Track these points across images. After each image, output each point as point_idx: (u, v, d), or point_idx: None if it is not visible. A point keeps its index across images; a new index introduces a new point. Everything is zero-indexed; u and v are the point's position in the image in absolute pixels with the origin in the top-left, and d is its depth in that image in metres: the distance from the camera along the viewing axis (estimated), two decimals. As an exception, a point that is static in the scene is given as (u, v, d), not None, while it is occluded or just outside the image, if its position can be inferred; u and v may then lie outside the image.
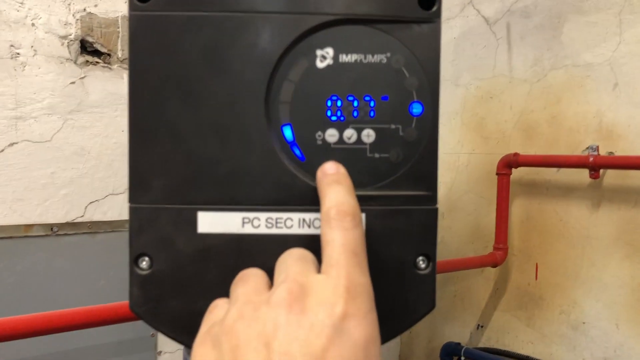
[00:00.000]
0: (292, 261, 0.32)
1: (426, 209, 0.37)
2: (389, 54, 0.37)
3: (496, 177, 1.73)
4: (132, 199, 0.36)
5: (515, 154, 1.68)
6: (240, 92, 0.36)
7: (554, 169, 1.66)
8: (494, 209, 1.74)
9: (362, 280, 0.30)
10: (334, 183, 0.34)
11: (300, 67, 0.37)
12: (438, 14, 0.38)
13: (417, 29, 0.37)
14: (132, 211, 0.36)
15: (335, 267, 0.30)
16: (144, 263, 0.36)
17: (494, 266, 1.74)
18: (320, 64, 0.37)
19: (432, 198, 0.37)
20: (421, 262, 0.37)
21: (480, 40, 1.89)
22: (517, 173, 1.74)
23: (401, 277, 0.37)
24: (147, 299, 0.36)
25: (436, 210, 0.37)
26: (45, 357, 1.53)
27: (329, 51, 0.37)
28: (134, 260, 0.36)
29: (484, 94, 1.88)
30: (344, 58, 0.37)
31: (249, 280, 0.33)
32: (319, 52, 0.37)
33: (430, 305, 0.37)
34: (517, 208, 1.77)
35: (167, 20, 0.36)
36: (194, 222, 0.36)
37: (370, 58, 0.37)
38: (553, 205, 1.67)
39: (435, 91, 0.38)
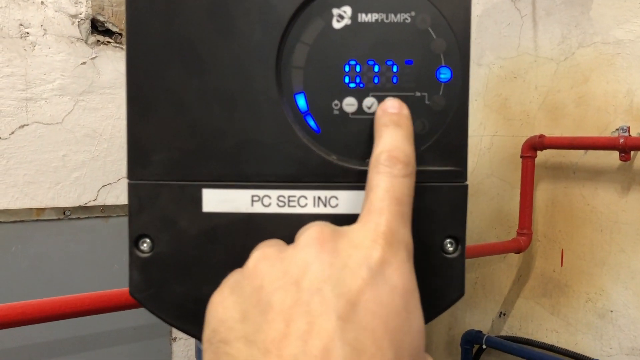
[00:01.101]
0: (315, 222, 0.29)
1: (455, 185, 0.34)
2: (413, 13, 0.34)
3: (520, 160, 1.68)
4: (131, 175, 0.34)
5: (541, 136, 1.63)
6: (249, 56, 0.33)
7: (582, 152, 1.61)
8: (518, 193, 1.70)
9: (403, 231, 0.27)
10: (392, 124, 0.31)
11: (314, 28, 0.33)
12: None
13: None
14: (132, 188, 0.34)
15: (375, 213, 0.27)
16: (145, 245, 0.34)
17: (518, 252, 1.70)
18: (336, 25, 0.33)
19: (462, 174, 0.34)
20: (449, 245, 0.34)
21: (504, 17, 1.83)
22: (542, 156, 1.69)
23: (427, 260, 0.34)
24: (149, 284, 0.34)
25: (466, 187, 0.34)
26: (59, 342, 1.53)
27: (347, 10, 0.33)
28: (134, 242, 0.34)
29: (508, 74, 1.82)
30: (363, 17, 0.34)
31: (270, 240, 0.30)
32: (335, 11, 0.33)
33: (460, 292, 0.34)
34: (542, 192, 1.72)
35: None
36: (198, 200, 0.33)
37: (392, 17, 0.34)
38: (580, 189, 1.62)
39: (465, 55, 0.34)
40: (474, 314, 1.96)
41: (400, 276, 0.25)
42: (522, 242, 1.67)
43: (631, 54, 1.50)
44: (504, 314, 1.86)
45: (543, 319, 1.74)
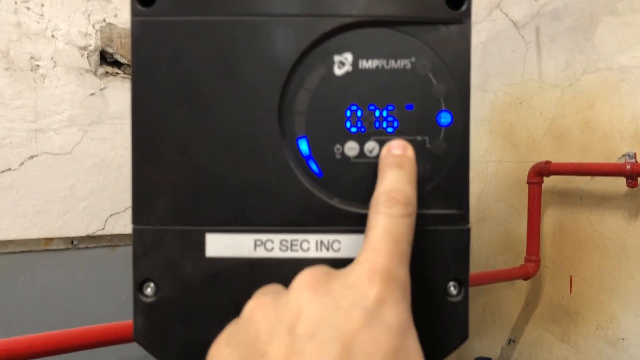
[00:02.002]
0: (307, 268, 0.29)
1: (457, 229, 0.34)
2: (413, 59, 0.34)
3: (527, 185, 1.67)
4: (135, 220, 0.34)
5: (547, 162, 1.62)
6: (252, 102, 0.34)
7: (588, 177, 1.60)
8: (525, 219, 1.68)
9: (400, 270, 0.27)
10: (394, 165, 0.32)
11: (316, 74, 0.34)
12: (468, 13, 0.34)
13: (444, 30, 0.34)
14: (136, 233, 0.34)
15: (372, 252, 0.27)
16: (149, 289, 0.34)
17: (526, 279, 1.68)
18: (338, 71, 0.34)
19: (464, 217, 0.34)
20: (452, 288, 0.34)
21: (508, 44, 1.84)
22: (548, 181, 1.68)
23: (430, 304, 0.34)
24: (153, 329, 0.34)
25: (468, 230, 0.34)
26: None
27: (348, 57, 0.34)
28: (138, 287, 0.34)
29: (513, 100, 1.83)
30: (364, 64, 0.34)
31: (267, 286, 0.31)
32: (336, 58, 0.34)
33: (463, 336, 0.34)
34: (549, 218, 1.71)
35: (172, 26, 0.34)
36: (202, 245, 0.34)
37: (392, 63, 0.34)
38: (587, 215, 1.61)
39: (465, 99, 0.34)
40: (483, 340, 1.93)
41: (396, 315, 0.25)
42: (530, 269, 1.65)
43: (636, 80, 1.49)
44: (513, 341, 1.84)
45: (553, 346, 1.71)
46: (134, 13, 0.34)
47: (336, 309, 0.25)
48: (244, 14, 0.34)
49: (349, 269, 0.27)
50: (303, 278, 0.27)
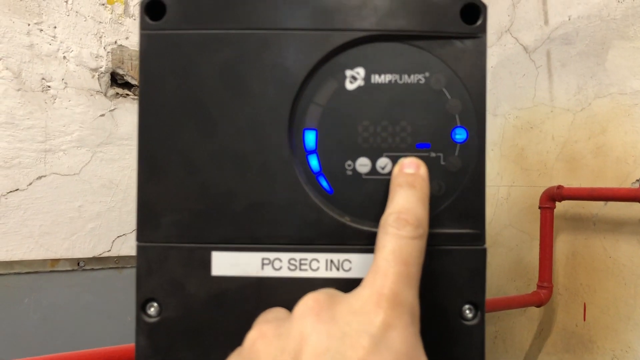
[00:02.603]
0: (310, 293, 0.28)
1: (473, 249, 0.33)
2: (427, 74, 0.33)
3: (538, 210, 1.65)
4: (140, 237, 0.33)
5: (559, 187, 1.60)
6: (262, 117, 0.33)
7: (601, 203, 1.58)
8: (537, 245, 1.66)
9: (408, 293, 0.26)
10: (406, 185, 0.30)
11: (327, 89, 0.33)
12: (483, 28, 0.33)
13: (459, 45, 0.33)
14: (140, 250, 0.33)
15: (380, 275, 0.26)
16: (152, 309, 0.33)
17: (538, 306, 1.65)
18: (350, 86, 0.33)
19: (480, 236, 0.33)
20: (468, 312, 0.32)
21: (518, 68, 1.84)
22: (560, 207, 1.66)
23: (445, 328, 0.32)
24: (156, 350, 0.33)
25: (484, 250, 0.33)
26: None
27: (360, 71, 0.33)
28: (141, 306, 0.33)
29: (524, 124, 1.82)
30: (377, 79, 0.33)
31: (269, 312, 0.30)
32: (348, 73, 0.33)
33: None
34: (562, 244, 1.69)
35: (181, 39, 0.33)
36: (207, 264, 0.33)
37: (406, 78, 0.33)
38: (601, 240, 1.58)
39: (481, 115, 0.33)
40: (495, 369, 1.90)
41: (404, 341, 0.24)
42: (542, 296, 1.62)
43: (649, 105, 1.48)
44: (526, 370, 1.80)
45: (567, 376, 1.67)
46: (143, 26, 0.33)
47: (342, 337, 0.24)
48: (254, 27, 0.33)
49: (355, 292, 0.26)
50: (306, 304, 0.26)
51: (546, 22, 1.75)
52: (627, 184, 1.51)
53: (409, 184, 0.31)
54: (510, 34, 1.87)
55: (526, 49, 1.82)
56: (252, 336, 0.26)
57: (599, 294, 1.59)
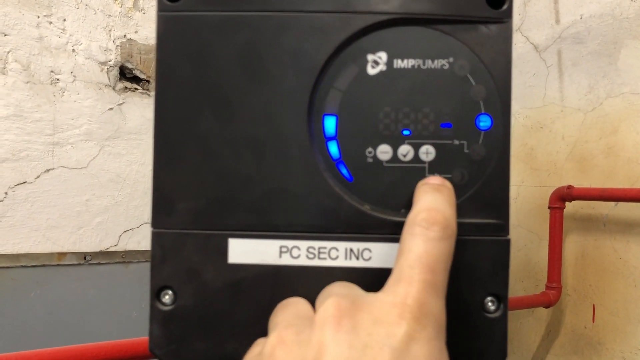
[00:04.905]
0: (337, 285, 0.28)
1: (496, 239, 0.32)
2: (451, 59, 0.32)
3: (548, 211, 1.64)
4: (155, 223, 0.32)
5: (569, 187, 1.59)
6: (280, 102, 0.32)
7: (612, 203, 1.56)
8: (546, 245, 1.65)
9: (434, 303, 0.25)
10: (431, 190, 0.29)
11: (348, 73, 0.32)
12: (509, 13, 0.32)
13: (484, 30, 0.32)
14: (155, 237, 0.32)
15: (404, 282, 0.25)
16: (167, 297, 0.32)
17: (547, 307, 1.64)
18: (371, 71, 0.32)
19: (503, 227, 0.32)
20: (490, 304, 0.32)
21: (529, 68, 1.83)
22: (570, 207, 1.65)
23: (467, 320, 0.31)
24: (170, 339, 0.32)
25: (508, 241, 0.32)
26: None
27: (382, 56, 0.32)
28: (156, 294, 0.32)
29: (534, 124, 1.80)
30: (399, 63, 0.32)
31: (290, 306, 0.29)
32: (370, 57, 0.32)
33: (502, 355, 0.32)
34: (571, 244, 1.67)
35: (199, 21, 0.32)
36: (224, 251, 0.32)
37: (429, 63, 0.32)
38: (611, 241, 1.57)
39: (506, 102, 0.33)
40: (501, 370, 1.88)
41: (427, 354, 0.23)
42: (551, 296, 1.61)
43: (661, 105, 1.47)
44: (533, 372, 1.79)
45: (575, 378, 1.66)
46: (160, 8, 0.32)
47: (362, 348, 0.23)
48: (273, 9, 0.32)
49: (378, 298, 0.25)
50: (327, 310, 0.25)
51: (557, 21, 1.74)
52: (639, 184, 1.50)
53: (434, 189, 0.30)
54: (521, 32, 1.86)
55: (537, 47, 1.81)
56: (272, 342, 0.25)
57: (608, 295, 1.57)
